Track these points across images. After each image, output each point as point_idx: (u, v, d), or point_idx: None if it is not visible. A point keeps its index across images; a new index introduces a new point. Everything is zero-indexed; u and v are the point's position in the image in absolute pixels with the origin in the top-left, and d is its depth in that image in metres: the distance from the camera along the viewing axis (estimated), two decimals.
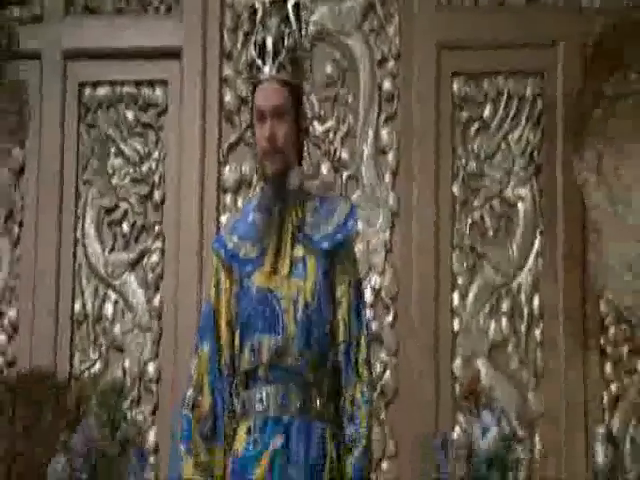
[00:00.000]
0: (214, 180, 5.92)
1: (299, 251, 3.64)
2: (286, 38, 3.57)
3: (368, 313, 5.44)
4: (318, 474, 3.49)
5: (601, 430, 5.43)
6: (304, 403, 3.57)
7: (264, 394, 3.59)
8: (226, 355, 3.70)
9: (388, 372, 5.78)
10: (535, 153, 5.76)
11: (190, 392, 3.68)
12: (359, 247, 5.89)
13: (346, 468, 3.48)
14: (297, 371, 3.57)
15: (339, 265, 3.62)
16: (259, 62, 3.57)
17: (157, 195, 5.91)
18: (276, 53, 3.57)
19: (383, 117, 5.92)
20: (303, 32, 3.73)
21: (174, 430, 3.92)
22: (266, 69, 3.54)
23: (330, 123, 5.98)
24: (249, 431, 3.59)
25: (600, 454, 5.40)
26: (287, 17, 3.61)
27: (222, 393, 3.72)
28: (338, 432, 3.55)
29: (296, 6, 3.63)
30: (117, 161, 6.07)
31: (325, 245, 3.57)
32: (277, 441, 3.53)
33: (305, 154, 3.65)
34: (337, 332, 3.58)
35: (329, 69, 5.95)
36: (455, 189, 5.79)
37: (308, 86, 4.29)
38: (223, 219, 5.87)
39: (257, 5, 3.65)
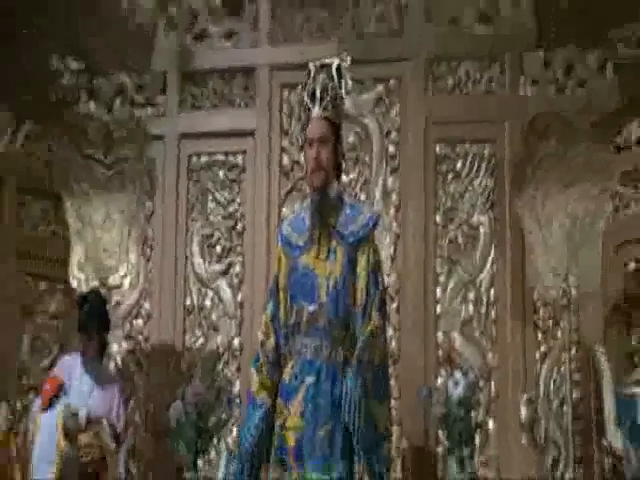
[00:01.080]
0: (276, 216, 7.54)
1: (333, 243, 4.50)
2: (329, 89, 4.53)
3: (385, 280, 6.76)
4: (338, 405, 4.38)
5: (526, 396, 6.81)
6: (331, 353, 4.46)
7: (303, 343, 4.50)
8: (282, 311, 4.61)
9: (393, 342, 7.27)
10: (491, 194, 7.33)
11: (260, 335, 4.69)
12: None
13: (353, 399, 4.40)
14: (327, 330, 4.45)
15: (360, 251, 4.48)
16: (310, 105, 4.56)
17: (239, 226, 7.61)
18: (322, 99, 4.52)
19: (389, 170, 7.51)
20: (342, 87, 4.60)
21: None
22: (315, 109, 4.51)
23: (352, 175, 7.56)
24: (292, 368, 4.51)
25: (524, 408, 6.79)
26: (331, 75, 4.54)
27: (280, 337, 4.61)
28: (358, 384, 4.43)
29: (338, 68, 4.54)
30: (212, 204, 7.74)
31: (351, 240, 4.46)
32: (311, 378, 4.45)
33: (342, 173, 4.72)
34: (357, 298, 4.47)
35: (351, 139, 7.53)
36: (437, 218, 7.35)
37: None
38: None
39: (311, 66, 4.59)
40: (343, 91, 4.57)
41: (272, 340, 4.58)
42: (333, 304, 4.42)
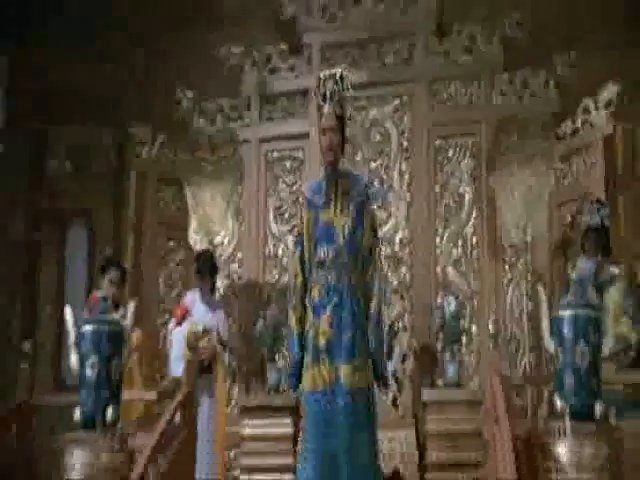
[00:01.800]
0: None
1: (344, 201, 4.68)
2: (335, 92, 4.65)
3: (400, 232, 7.65)
4: (358, 317, 4.61)
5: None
6: (350, 280, 4.63)
7: (328, 274, 4.64)
8: (307, 254, 4.75)
9: (407, 275, 7.65)
10: (472, 172, 7.70)
11: (291, 278, 4.98)
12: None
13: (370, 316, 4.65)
14: (346, 265, 4.64)
15: (364, 208, 4.70)
16: (322, 104, 4.70)
17: (300, 200, 7.40)
18: (331, 99, 4.65)
19: (403, 158, 7.87)
20: (345, 90, 4.68)
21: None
22: (326, 107, 4.67)
23: (379, 162, 7.91)
24: (319, 292, 4.63)
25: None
26: (336, 82, 4.65)
27: (306, 273, 4.74)
28: (366, 298, 4.69)
29: (341, 77, 4.65)
30: (282, 185, 8.08)
31: (356, 199, 4.68)
32: (336, 299, 4.61)
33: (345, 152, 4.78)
34: (363, 243, 4.69)
35: (378, 137, 7.94)
36: (437, 189, 7.74)
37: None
38: None
39: (321, 76, 4.71)
40: (345, 93, 4.70)
41: (300, 278, 4.76)
42: (348, 245, 4.63)
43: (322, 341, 4.57)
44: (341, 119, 4.73)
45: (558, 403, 4.39)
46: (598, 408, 4.31)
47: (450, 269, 7.72)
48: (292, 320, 4.75)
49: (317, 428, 4.51)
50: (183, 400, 5.25)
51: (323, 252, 4.65)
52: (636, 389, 5.45)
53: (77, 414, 4.75)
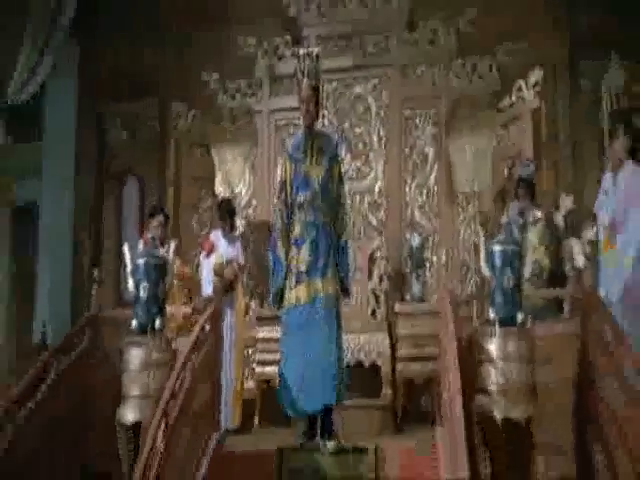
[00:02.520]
0: None
1: (319, 156, 4.73)
2: (313, 67, 4.71)
3: (377, 183, 7.53)
4: (330, 246, 4.68)
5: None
6: (323, 218, 4.73)
7: (306, 215, 4.73)
8: (289, 198, 4.79)
9: (383, 216, 7.61)
10: (434, 136, 7.66)
11: (276, 218, 4.93)
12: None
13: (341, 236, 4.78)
14: (320, 207, 4.72)
15: (335, 162, 4.81)
16: (301, 77, 4.77)
17: None
18: (308, 73, 4.69)
19: (381, 124, 7.78)
20: (319, 65, 4.75)
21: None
22: (304, 81, 4.74)
23: (362, 128, 7.79)
24: (300, 229, 4.73)
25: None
26: (312, 58, 4.73)
27: (286, 216, 4.79)
28: (337, 231, 4.78)
29: (316, 55, 4.75)
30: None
31: (329, 154, 4.76)
32: (313, 233, 4.72)
33: (320, 116, 4.96)
34: (333, 188, 4.79)
35: (361, 109, 7.80)
36: (406, 150, 7.70)
37: (323, 90, 5.12)
38: None
39: (300, 53, 4.83)
40: (319, 67, 4.79)
41: (285, 217, 4.81)
42: (322, 191, 4.73)
43: (303, 267, 4.69)
44: (316, 90, 4.77)
45: (491, 314, 4.54)
46: (519, 317, 4.48)
47: (416, 212, 7.73)
48: (281, 252, 4.83)
49: (294, 329, 4.67)
50: (212, 313, 5.31)
51: (301, 196, 4.74)
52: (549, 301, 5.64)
53: (134, 323, 4.92)
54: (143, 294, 4.91)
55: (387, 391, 6.44)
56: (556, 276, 6.00)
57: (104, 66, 8.64)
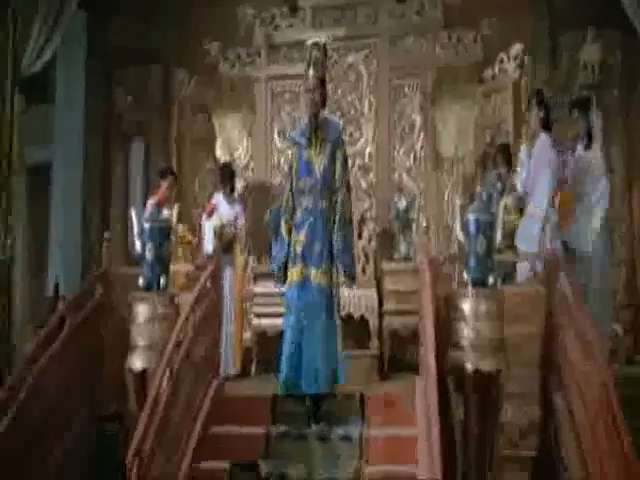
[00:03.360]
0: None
1: (322, 144, 4.72)
2: (319, 58, 4.73)
3: (367, 148, 7.47)
4: (327, 233, 4.67)
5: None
6: (322, 205, 4.72)
7: (307, 200, 4.74)
8: (294, 184, 4.81)
9: (373, 179, 7.68)
10: (421, 105, 7.67)
11: (283, 201, 4.94)
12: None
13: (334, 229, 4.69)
14: (320, 193, 4.71)
15: (337, 149, 4.75)
16: (307, 68, 4.75)
17: (298, 123, 6.83)
18: (315, 64, 4.69)
19: (370, 93, 7.80)
20: (326, 58, 4.83)
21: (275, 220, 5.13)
22: (310, 71, 4.73)
23: (354, 95, 7.83)
24: (300, 214, 4.73)
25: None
26: (319, 49, 4.76)
27: (293, 199, 4.81)
28: (335, 218, 4.72)
29: (323, 46, 4.78)
30: (283, 113, 7.90)
31: (332, 141, 4.75)
32: (312, 218, 4.73)
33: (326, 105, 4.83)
34: (336, 175, 4.75)
35: (353, 77, 7.86)
36: (395, 117, 7.72)
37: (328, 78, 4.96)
38: None
39: (307, 44, 4.85)
40: (326, 59, 4.85)
41: (290, 201, 4.85)
42: (322, 178, 4.71)
43: (299, 249, 4.71)
44: (322, 80, 4.76)
45: (465, 276, 4.76)
46: (490, 279, 4.71)
47: (404, 175, 7.80)
48: (284, 230, 4.84)
49: (291, 308, 4.74)
50: (212, 271, 5.47)
51: (303, 182, 4.76)
52: None
53: (141, 281, 5.16)
54: (149, 255, 5.14)
55: (374, 342, 6.66)
56: None
57: (111, 34, 8.64)
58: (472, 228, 4.70)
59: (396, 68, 7.82)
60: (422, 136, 7.75)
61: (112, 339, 5.53)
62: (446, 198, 7.58)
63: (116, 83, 8.57)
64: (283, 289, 4.97)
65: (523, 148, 5.95)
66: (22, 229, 7.53)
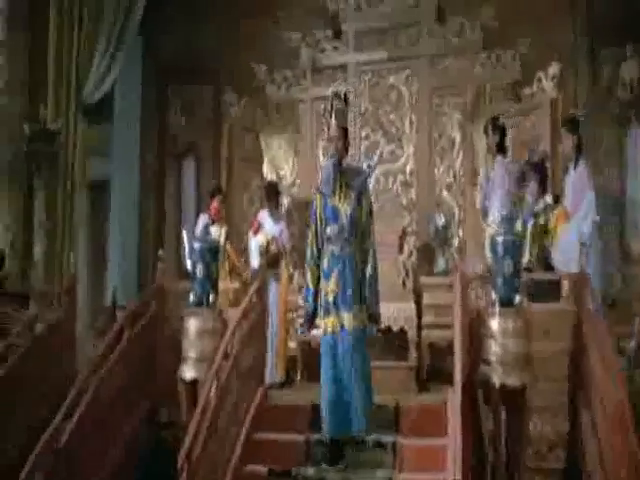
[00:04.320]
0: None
1: (347, 190, 4.72)
2: (340, 108, 4.72)
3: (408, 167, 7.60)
4: (356, 278, 4.66)
5: None
6: (350, 251, 4.70)
7: (333, 247, 4.73)
8: (319, 230, 4.78)
9: (414, 196, 7.93)
10: (460, 125, 7.86)
11: (308, 248, 4.87)
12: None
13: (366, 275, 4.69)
14: (347, 239, 4.70)
15: (363, 196, 4.76)
16: (329, 118, 4.75)
17: None
18: (336, 113, 4.63)
19: (412, 111, 8.05)
20: (347, 105, 4.78)
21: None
22: (332, 121, 4.70)
23: (395, 114, 8.08)
24: (327, 261, 4.72)
25: None
26: (340, 99, 4.74)
27: (319, 245, 4.79)
28: (364, 265, 4.71)
29: (345, 95, 4.79)
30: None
31: (357, 189, 4.74)
32: (340, 265, 4.69)
33: (349, 152, 4.85)
34: (361, 222, 4.75)
35: (394, 97, 8.09)
36: (435, 135, 7.95)
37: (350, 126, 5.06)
38: None
39: (329, 93, 5.01)
40: (347, 107, 4.81)
41: (315, 249, 4.83)
42: (349, 224, 4.71)
43: (331, 297, 4.70)
44: (344, 129, 4.77)
45: (493, 295, 4.95)
46: (517, 299, 4.87)
47: (444, 191, 8.04)
48: (310, 278, 4.84)
49: (328, 359, 4.71)
50: (258, 287, 5.79)
51: (330, 229, 4.74)
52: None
53: (191, 297, 5.53)
54: (199, 273, 5.51)
55: (413, 354, 6.81)
56: None
57: (164, 55, 9.11)
58: (499, 249, 4.84)
59: (436, 88, 8.02)
60: (461, 153, 7.92)
61: (165, 349, 5.94)
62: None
63: (169, 103, 9.07)
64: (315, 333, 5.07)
65: (482, 170, 6.30)
66: (83, 241, 8.03)
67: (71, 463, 4.87)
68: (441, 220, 7.47)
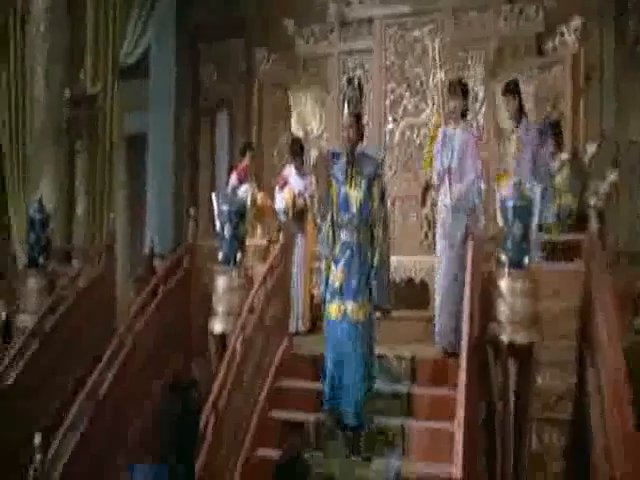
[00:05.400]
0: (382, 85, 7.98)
1: (359, 178, 4.66)
2: (354, 95, 4.67)
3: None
4: (366, 268, 4.62)
5: None
6: (359, 239, 4.66)
7: (344, 234, 4.70)
8: (334, 218, 4.76)
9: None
10: (483, 78, 7.69)
11: (323, 232, 4.89)
12: None
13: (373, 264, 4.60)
14: (357, 227, 4.66)
15: (374, 183, 4.66)
16: (343, 106, 4.77)
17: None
18: (350, 102, 4.69)
19: (436, 64, 7.67)
20: (361, 93, 4.73)
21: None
22: (345, 110, 4.72)
23: (419, 68, 7.96)
24: (338, 247, 4.69)
25: None
26: (354, 88, 4.71)
27: (334, 234, 4.74)
28: (371, 253, 4.64)
29: (358, 85, 4.74)
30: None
31: (368, 176, 4.67)
32: (348, 252, 4.66)
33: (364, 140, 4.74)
34: (373, 210, 4.65)
35: (419, 50, 7.97)
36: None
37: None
38: None
39: (344, 82, 4.99)
40: (361, 97, 4.75)
41: (331, 235, 4.81)
42: (359, 212, 4.67)
43: (337, 284, 4.67)
44: (357, 116, 4.71)
45: (502, 257, 5.03)
46: (526, 260, 4.95)
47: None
48: (323, 265, 4.85)
49: (331, 342, 4.74)
50: (284, 243, 5.98)
51: (341, 217, 4.72)
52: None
53: (220, 255, 5.70)
54: (227, 233, 5.66)
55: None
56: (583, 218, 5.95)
57: (195, 10, 9.10)
58: (510, 214, 4.89)
59: (459, 41, 7.85)
60: (484, 107, 7.74)
61: (198, 304, 6.15)
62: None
63: (202, 60, 9.10)
64: None
65: (443, 130, 5.87)
66: (123, 190, 8.38)
67: (111, 411, 5.18)
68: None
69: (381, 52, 8.07)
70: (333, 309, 4.68)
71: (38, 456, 4.05)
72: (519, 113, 6.03)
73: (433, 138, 6.14)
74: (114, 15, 7.45)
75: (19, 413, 5.25)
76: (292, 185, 7.02)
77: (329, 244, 4.79)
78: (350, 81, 4.81)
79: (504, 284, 4.94)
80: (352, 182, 4.68)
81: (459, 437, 3.83)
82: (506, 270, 4.95)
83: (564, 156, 6.40)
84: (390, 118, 7.95)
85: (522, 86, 6.92)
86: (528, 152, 5.89)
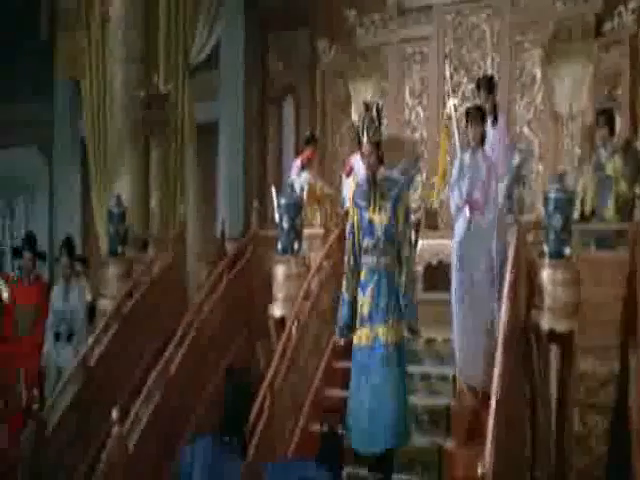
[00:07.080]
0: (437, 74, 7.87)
1: (383, 202, 4.52)
2: (372, 123, 4.50)
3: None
4: (394, 290, 4.46)
5: None
6: (385, 262, 4.50)
7: (370, 259, 4.54)
8: (356, 242, 4.60)
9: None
10: (541, 62, 7.58)
11: (346, 258, 4.68)
12: None
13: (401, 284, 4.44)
14: (382, 251, 4.52)
15: (398, 205, 4.51)
16: (362, 135, 4.52)
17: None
18: (368, 129, 4.48)
19: (494, 48, 7.82)
20: (379, 117, 4.52)
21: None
22: (364, 137, 4.49)
23: (478, 52, 7.91)
24: (364, 273, 4.52)
25: None
26: (372, 117, 4.52)
27: (356, 257, 4.60)
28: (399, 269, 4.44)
29: (377, 111, 4.52)
30: (413, 72, 8.22)
31: (392, 199, 4.52)
32: (375, 277, 4.48)
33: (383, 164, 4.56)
34: (399, 232, 4.51)
35: (477, 35, 7.92)
36: (516, 70, 7.71)
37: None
38: None
39: (362, 112, 5.00)
40: (381, 124, 4.57)
41: (352, 259, 4.62)
42: (384, 237, 4.52)
43: (366, 310, 4.51)
44: (376, 144, 4.57)
45: (544, 247, 5.07)
46: (566, 251, 4.99)
47: (525, 128, 7.77)
48: (345, 289, 4.65)
49: (358, 371, 4.55)
50: (339, 232, 6.12)
51: (366, 242, 4.57)
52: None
53: (279, 246, 5.97)
54: (285, 225, 5.93)
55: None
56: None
57: (265, 3, 9.25)
58: (551, 205, 4.92)
59: (517, 25, 7.72)
60: (542, 90, 7.63)
61: (261, 290, 6.43)
62: (565, 147, 7.45)
63: (269, 50, 9.24)
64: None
65: (461, 154, 5.66)
66: (195, 176, 8.52)
67: (181, 386, 5.57)
68: (515, 159, 6.98)
69: (439, 39, 8.05)
70: (364, 336, 4.49)
71: (115, 429, 4.45)
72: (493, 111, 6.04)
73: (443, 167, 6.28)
74: (184, 16, 7.72)
75: (100, 391, 5.74)
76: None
77: (352, 274, 4.65)
78: (368, 107, 4.81)
79: (545, 274, 5.00)
80: (375, 207, 4.55)
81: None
82: (547, 261, 5.01)
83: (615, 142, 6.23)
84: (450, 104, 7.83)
85: (578, 69, 7.15)
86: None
